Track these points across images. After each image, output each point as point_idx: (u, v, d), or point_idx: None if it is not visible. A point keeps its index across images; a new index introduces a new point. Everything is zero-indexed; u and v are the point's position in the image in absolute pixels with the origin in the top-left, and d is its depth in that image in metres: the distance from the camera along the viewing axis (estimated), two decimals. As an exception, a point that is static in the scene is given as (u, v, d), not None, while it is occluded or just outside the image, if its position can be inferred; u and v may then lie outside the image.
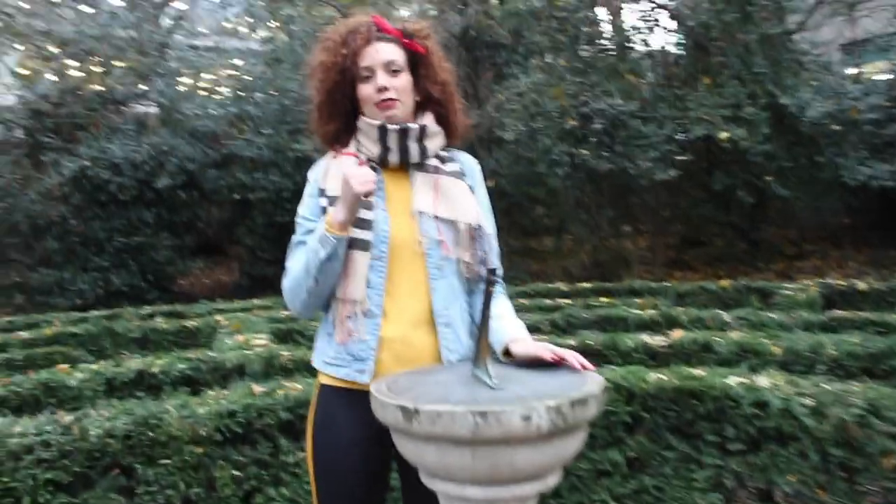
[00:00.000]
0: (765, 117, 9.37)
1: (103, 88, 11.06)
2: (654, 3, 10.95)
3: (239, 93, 12.23)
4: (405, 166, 1.90)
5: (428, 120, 1.90)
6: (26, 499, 2.78)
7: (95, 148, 10.49)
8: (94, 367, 4.36)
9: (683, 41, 11.42)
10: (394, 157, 1.86)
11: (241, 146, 11.20)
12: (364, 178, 1.69)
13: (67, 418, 3.03)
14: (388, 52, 1.84)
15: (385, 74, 1.83)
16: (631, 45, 11.67)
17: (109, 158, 10.30)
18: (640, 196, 11.26)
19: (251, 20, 14.01)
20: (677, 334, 4.39)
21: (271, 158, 11.11)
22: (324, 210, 1.84)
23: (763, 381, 3.09)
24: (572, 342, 4.47)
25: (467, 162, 2.02)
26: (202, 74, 13.38)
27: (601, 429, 3.20)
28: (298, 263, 1.81)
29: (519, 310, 6.67)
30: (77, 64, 10.60)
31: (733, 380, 3.12)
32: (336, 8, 13.32)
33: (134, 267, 10.82)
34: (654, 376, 3.24)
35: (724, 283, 7.66)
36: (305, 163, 8.60)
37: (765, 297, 6.92)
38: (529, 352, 1.72)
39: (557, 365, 1.69)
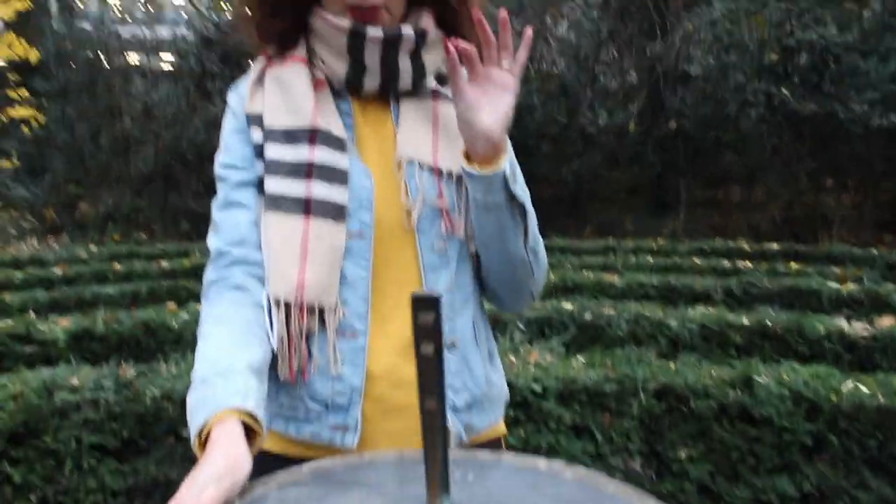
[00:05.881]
0: None
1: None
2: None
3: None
4: (387, 93, 1.13)
5: (426, 21, 1.11)
6: (69, 462, 2.47)
7: (259, 77, 10.35)
8: (199, 307, 4.08)
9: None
10: (372, 81, 1.09)
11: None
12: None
13: (130, 373, 2.69)
14: None
15: None
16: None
17: (274, 87, 10.10)
18: (849, 145, 9.69)
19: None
20: (887, 322, 3.43)
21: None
22: (258, 151, 1.07)
23: None
24: (745, 321, 3.62)
25: None
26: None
27: (769, 448, 2.42)
28: (208, 333, 0.96)
29: (690, 271, 5.74)
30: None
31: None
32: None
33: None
34: (851, 386, 2.40)
35: (952, 253, 6.35)
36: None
37: None
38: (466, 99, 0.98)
39: None
